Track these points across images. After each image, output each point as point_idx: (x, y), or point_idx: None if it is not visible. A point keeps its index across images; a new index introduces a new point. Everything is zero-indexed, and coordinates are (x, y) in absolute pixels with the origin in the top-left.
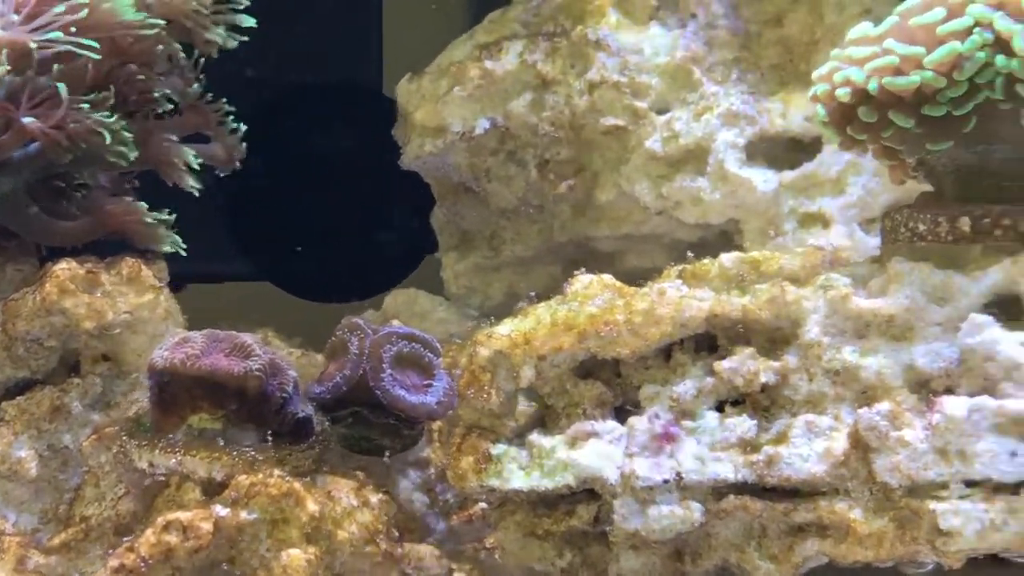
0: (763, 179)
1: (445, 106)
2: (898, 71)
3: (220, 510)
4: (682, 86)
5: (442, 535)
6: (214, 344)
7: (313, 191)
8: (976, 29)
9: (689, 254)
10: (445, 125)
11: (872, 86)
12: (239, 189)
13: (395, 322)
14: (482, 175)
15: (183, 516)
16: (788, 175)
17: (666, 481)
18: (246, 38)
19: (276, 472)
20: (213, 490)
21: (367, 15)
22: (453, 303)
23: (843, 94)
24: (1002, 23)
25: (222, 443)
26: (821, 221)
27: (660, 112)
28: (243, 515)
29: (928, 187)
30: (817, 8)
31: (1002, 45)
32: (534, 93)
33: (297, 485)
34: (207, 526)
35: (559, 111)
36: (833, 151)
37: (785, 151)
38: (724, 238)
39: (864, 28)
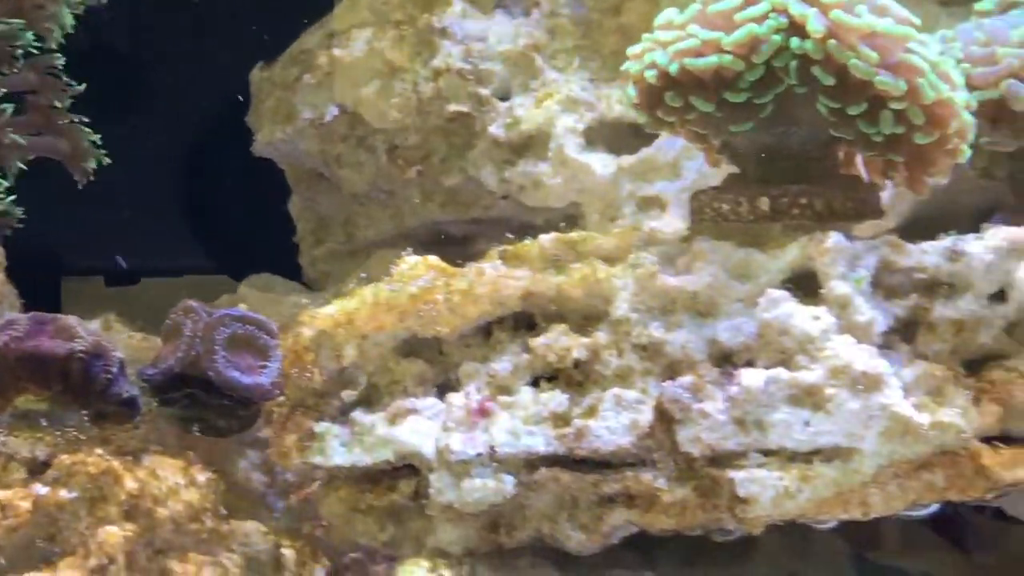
0: (602, 164)
1: (295, 93)
2: (700, 54)
3: (40, 489)
4: (525, 73)
5: (281, 513)
6: (39, 326)
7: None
8: (772, 14)
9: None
10: (295, 112)
11: (674, 68)
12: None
13: (242, 306)
14: (333, 161)
15: (1, 495)
16: (627, 160)
17: (480, 455)
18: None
19: (97, 451)
20: (38, 470)
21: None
22: (309, 287)
23: (650, 76)
24: (796, 8)
25: (46, 424)
26: (659, 204)
27: (503, 99)
28: (63, 493)
29: (735, 168)
30: None
31: (797, 29)
32: (382, 80)
33: (116, 463)
34: (26, 504)
35: (406, 98)
36: (669, 136)
37: (625, 136)
38: (571, 221)
39: (669, 14)
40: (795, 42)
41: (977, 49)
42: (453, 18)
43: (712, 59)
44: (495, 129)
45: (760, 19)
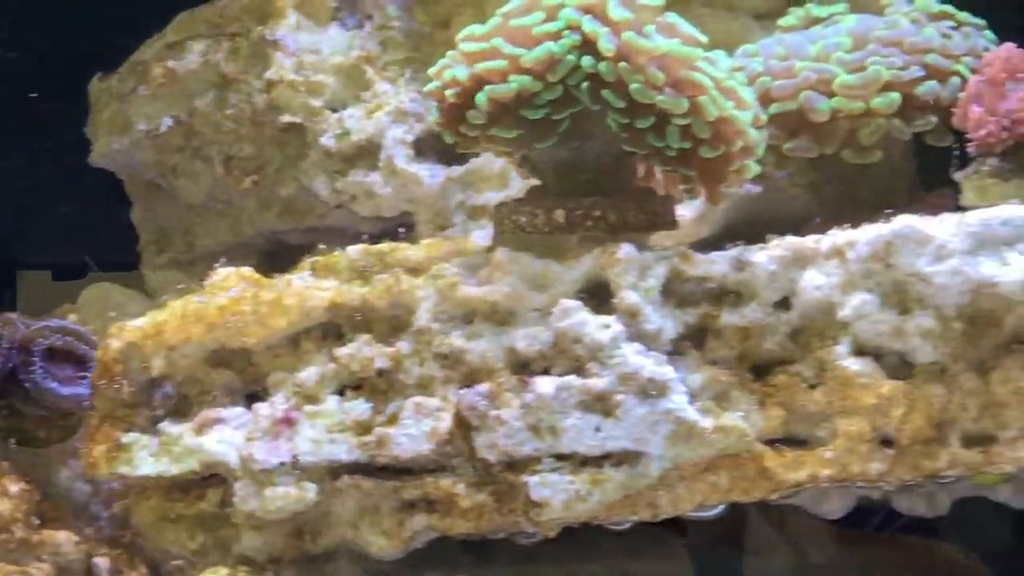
0: (430, 174)
1: (130, 104)
2: (503, 73)
3: None
4: (356, 85)
5: (105, 522)
6: None
7: None
8: (566, 31)
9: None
10: (131, 123)
11: (480, 99)
12: None
13: (72, 317)
14: (169, 172)
15: None
16: (456, 170)
17: (282, 464)
18: None
19: None
20: None
21: None
22: (150, 297)
23: (451, 95)
24: (589, 25)
25: None
26: (487, 213)
27: (335, 110)
28: None
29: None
30: (481, 11)
31: (590, 48)
32: (217, 91)
33: None
34: None
35: (241, 109)
36: None
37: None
38: (410, 228)
39: (472, 27)
40: (587, 60)
41: (777, 63)
42: (286, 31)
43: (512, 85)
44: (326, 140)
45: (556, 35)
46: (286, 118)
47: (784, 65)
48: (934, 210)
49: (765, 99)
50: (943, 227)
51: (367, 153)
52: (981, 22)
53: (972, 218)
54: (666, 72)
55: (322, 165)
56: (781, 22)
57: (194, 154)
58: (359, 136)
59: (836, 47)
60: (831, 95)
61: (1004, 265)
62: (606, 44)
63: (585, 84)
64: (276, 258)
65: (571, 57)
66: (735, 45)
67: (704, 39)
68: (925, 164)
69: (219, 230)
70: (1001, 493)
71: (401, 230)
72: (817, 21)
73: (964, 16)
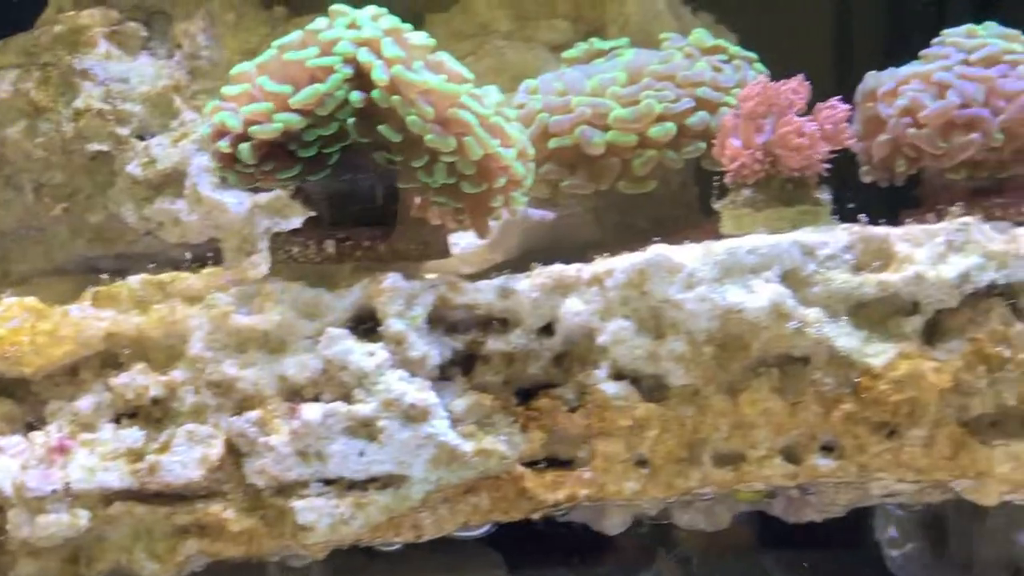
0: (236, 201)
1: None
2: (269, 114)
3: None
4: (164, 113)
5: None
6: None
7: None
8: (340, 65)
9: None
10: None
11: (243, 148)
12: None
13: None
14: None
15: None
16: (262, 197)
17: (55, 491)
18: None
19: None
20: None
21: None
22: None
23: (223, 145)
24: (364, 56)
25: None
26: None
27: (143, 138)
28: None
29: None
30: None
31: (363, 81)
32: (28, 120)
33: None
34: None
35: (51, 137)
36: None
37: None
38: (218, 254)
39: (244, 66)
40: (355, 96)
41: (555, 99)
42: (96, 60)
43: (277, 125)
44: (133, 168)
45: (329, 69)
46: (94, 146)
47: (562, 100)
48: (708, 236)
49: (545, 134)
50: (692, 256)
51: (173, 181)
52: (752, 55)
53: (719, 247)
54: (434, 108)
55: (130, 192)
56: (565, 55)
57: (6, 182)
58: (165, 164)
59: (612, 82)
60: (607, 128)
61: (750, 292)
62: (380, 75)
63: (352, 120)
64: (87, 284)
65: (340, 92)
66: (532, 75)
67: (470, 76)
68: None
69: (32, 257)
70: (775, 507)
71: (210, 255)
72: (600, 54)
73: (736, 50)
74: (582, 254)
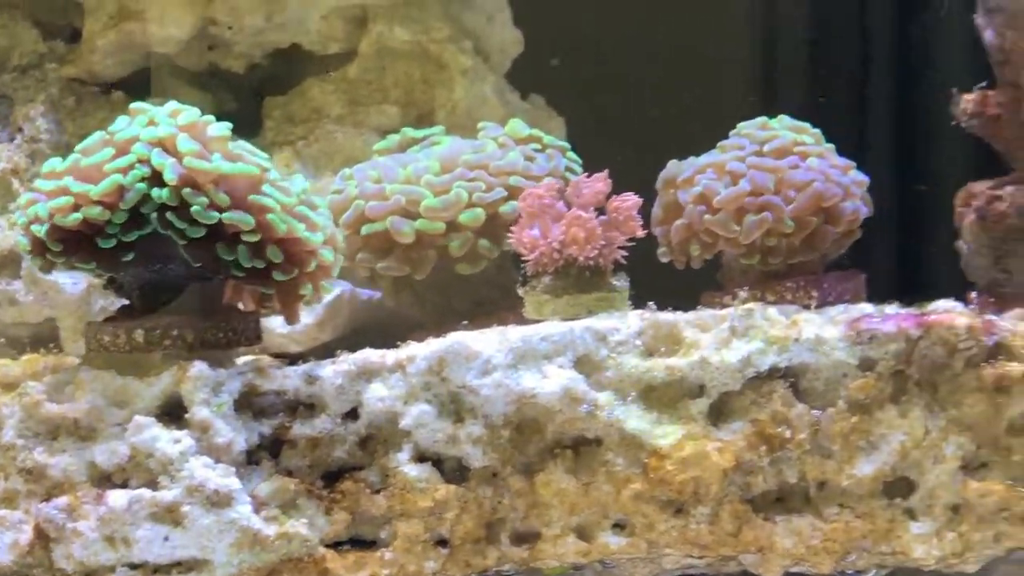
0: (72, 282)
1: None
2: (75, 207)
3: None
4: (2, 196)
5: None
6: None
7: None
8: (137, 164)
9: None
10: None
11: (47, 240)
12: None
13: None
14: None
15: None
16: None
17: None
18: None
19: None
20: None
21: None
22: None
23: (37, 230)
24: (157, 159)
25: None
26: None
27: None
28: None
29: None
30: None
31: (157, 179)
32: None
33: None
34: None
35: None
36: None
37: None
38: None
39: (53, 163)
40: (155, 192)
41: (371, 185)
42: None
43: (78, 215)
44: None
45: (126, 170)
46: None
47: (377, 188)
48: (520, 319)
49: (361, 220)
50: (489, 343)
51: (10, 262)
52: (565, 144)
53: (515, 335)
54: (231, 195)
55: None
56: (376, 147)
57: None
58: (2, 245)
59: (425, 170)
60: (419, 217)
61: (544, 378)
62: (170, 174)
63: (154, 213)
64: None
65: (140, 186)
66: (362, 159)
67: (268, 164)
68: None
69: None
70: None
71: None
72: (414, 142)
73: (549, 140)
74: (409, 333)
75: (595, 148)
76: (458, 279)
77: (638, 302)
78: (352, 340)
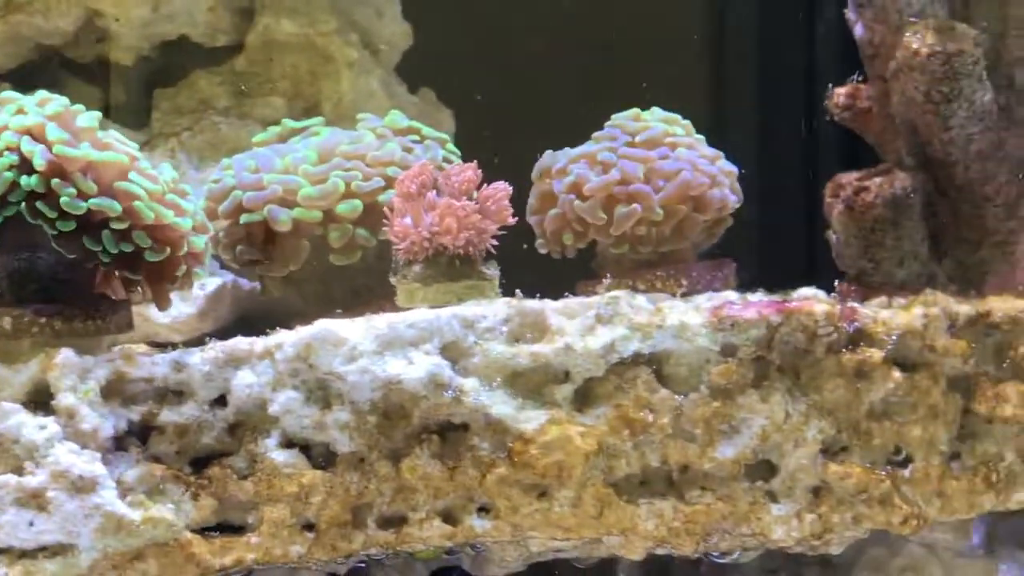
0: None
1: None
2: None
3: None
4: None
5: None
6: None
7: None
8: (6, 152)
9: None
10: None
11: None
12: None
13: None
14: None
15: None
16: None
17: None
18: None
19: None
20: None
21: None
22: None
23: None
24: (26, 146)
25: None
26: None
27: None
28: None
29: None
30: None
31: (27, 166)
32: None
33: None
34: None
35: None
36: None
37: None
38: None
39: None
40: (24, 179)
41: (248, 175)
42: None
43: None
44: None
45: None
46: None
47: (254, 178)
48: (395, 307)
49: (239, 210)
50: (355, 330)
51: None
52: (444, 136)
53: (381, 322)
54: (98, 182)
55: None
56: (255, 139)
57: None
58: None
59: (303, 160)
60: (296, 206)
61: (409, 364)
62: (39, 160)
63: (23, 201)
64: None
65: (8, 174)
66: (247, 149)
67: (137, 153)
68: None
69: None
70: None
71: None
72: (295, 133)
73: (428, 131)
74: (290, 322)
75: (486, 141)
76: (338, 268)
77: (525, 291)
78: (235, 330)
